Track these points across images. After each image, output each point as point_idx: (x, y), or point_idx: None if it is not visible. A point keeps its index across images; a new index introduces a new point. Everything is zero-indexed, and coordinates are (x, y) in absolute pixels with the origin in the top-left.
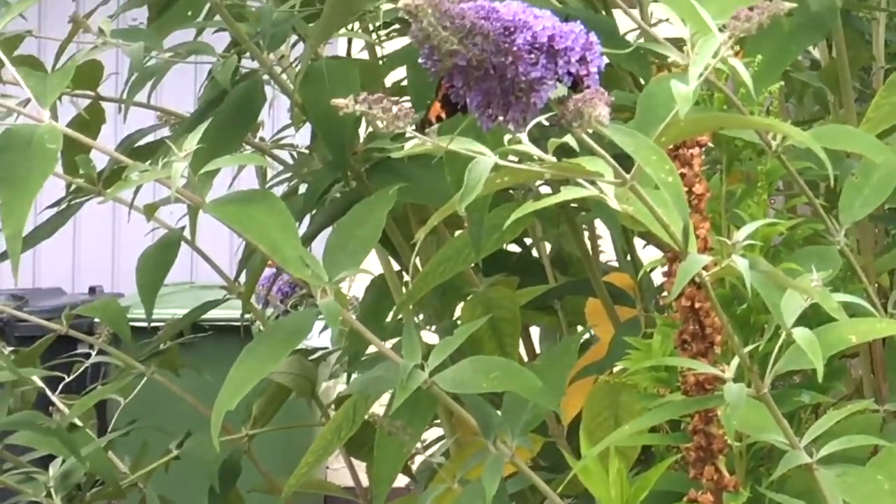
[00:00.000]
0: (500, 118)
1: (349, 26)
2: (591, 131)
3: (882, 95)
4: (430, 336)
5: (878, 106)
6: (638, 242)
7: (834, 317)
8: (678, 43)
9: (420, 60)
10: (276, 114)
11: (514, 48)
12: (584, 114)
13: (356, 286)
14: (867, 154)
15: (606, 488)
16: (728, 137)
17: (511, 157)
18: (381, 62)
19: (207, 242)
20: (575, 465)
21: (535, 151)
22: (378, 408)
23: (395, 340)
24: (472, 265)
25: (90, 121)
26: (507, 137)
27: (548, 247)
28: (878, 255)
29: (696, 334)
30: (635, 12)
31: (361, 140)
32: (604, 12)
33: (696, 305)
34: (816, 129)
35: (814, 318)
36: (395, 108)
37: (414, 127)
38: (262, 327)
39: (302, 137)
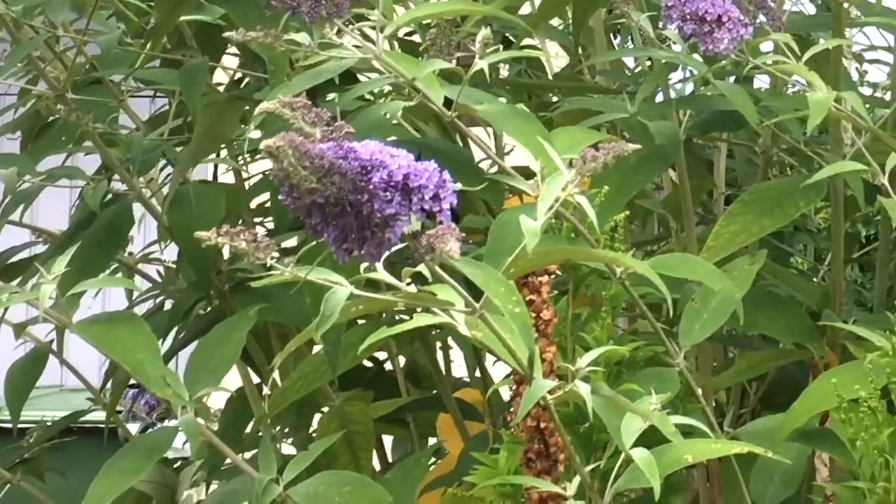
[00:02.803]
0: (356, 252)
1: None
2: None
3: (721, 225)
4: (288, 448)
5: (717, 235)
6: (489, 358)
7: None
8: (530, 171)
9: (280, 198)
10: (145, 228)
11: (371, 186)
12: (435, 248)
13: (220, 395)
14: (706, 282)
15: None
16: (575, 264)
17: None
18: (246, 185)
19: (77, 348)
20: None
21: (390, 280)
22: None
23: (254, 452)
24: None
25: None
26: (363, 265)
27: (402, 361)
28: (716, 373)
29: (541, 453)
30: (491, 142)
31: (226, 259)
32: (460, 142)
33: (542, 425)
34: (658, 258)
35: (653, 436)
36: (256, 241)
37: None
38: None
39: (169, 252)
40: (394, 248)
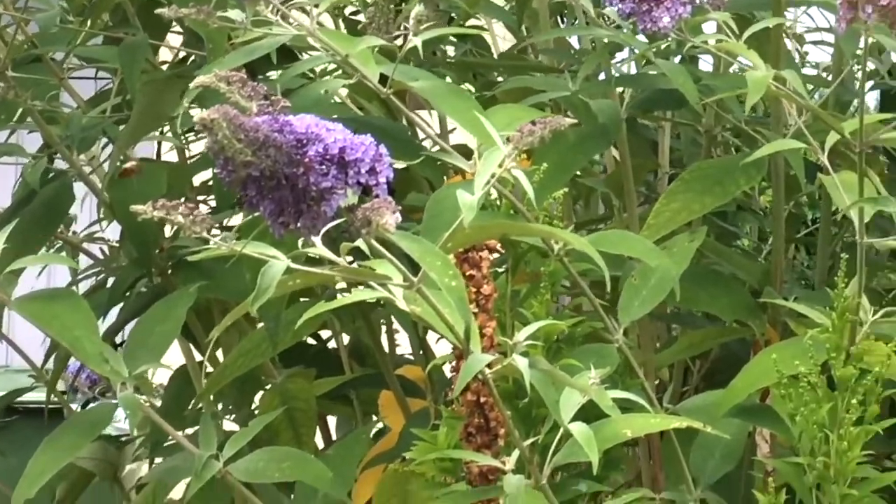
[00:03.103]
0: (292, 225)
1: (159, 130)
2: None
3: (662, 203)
4: (231, 426)
5: (658, 213)
6: (432, 336)
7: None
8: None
9: (215, 171)
10: (90, 206)
11: (307, 160)
12: (371, 221)
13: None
14: (644, 259)
15: None
16: (514, 241)
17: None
18: (189, 163)
19: (23, 327)
20: None
21: (327, 255)
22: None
23: (196, 429)
24: (271, 357)
25: None
26: (302, 241)
27: (346, 339)
28: (659, 352)
29: (481, 427)
30: (432, 119)
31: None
32: (404, 121)
33: (481, 400)
34: (596, 234)
35: (592, 412)
36: (192, 214)
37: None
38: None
39: (112, 232)
40: (333, 224)
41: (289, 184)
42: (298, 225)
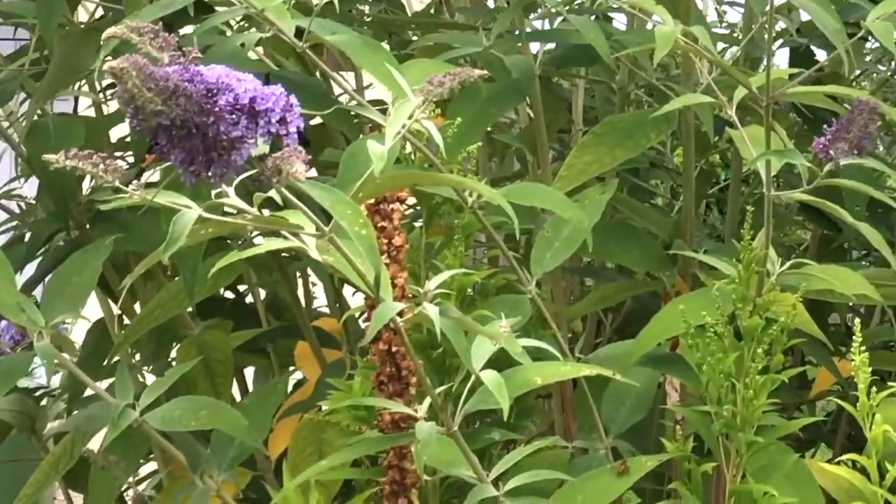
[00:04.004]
0: (203, 174)
1: (76, 85)
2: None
3: (574, 155)
4: (151, 378)
5: (570, 165)
6: (349, 290)
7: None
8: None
9: (126, 119)
10: (10, 163)
11: (217, 109)
12: (282, 170)
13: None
14: (556, 210)
15: None
16: (428, 194)
17: (229, 210)
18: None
19: None
20: (276, 497)
21: (240, 205)
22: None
23: (113, 380)
24: (189, 309)
25: None
26: (216, 191)
27: (263, 293)
28: (572, 304)
29: (393, 376)
30: (349, 77)
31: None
32: (319, 76)
33: (393, 349)
34: (508, 187)
35: (505, 361)
36: (104, 164)
37: (133, 180)
38: None
39: (30, 189)
40: (247, 175)
41: (199, 133)
42: (209, 174)
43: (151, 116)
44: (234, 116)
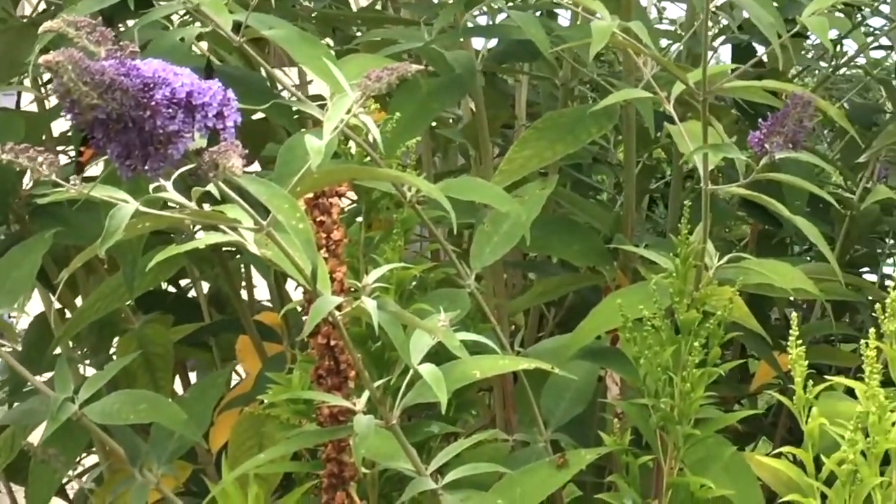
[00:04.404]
0: (140, 168)
1: (18, 80)
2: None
3: (514, 150)
4: (92, 371)
5: (510, 160)
6: (291, 284)
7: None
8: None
9: (62, 113)
10: None
11: (153, 103)
12: (219, 164)
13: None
14: (495, 205)
15: None
16: (367, 188)
17: (172, 204)
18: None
19: None
20: (214, 490)
21: (178, 199)
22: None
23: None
24: (131, 303)
25: None
26: (154, 186)
27: (206, 287)
28: (514, 298)
29: (332, 369)
30: (292, 72)
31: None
32: (263, 71)
33: (332, 343)
34: (446, 181)
35: (445, 355)
36: (41, 157)
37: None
38: None
39: None
40: (185, 169)
41: (136, 127)
42: (146, 167)
43: (88, 110)
44: (170, 110)
